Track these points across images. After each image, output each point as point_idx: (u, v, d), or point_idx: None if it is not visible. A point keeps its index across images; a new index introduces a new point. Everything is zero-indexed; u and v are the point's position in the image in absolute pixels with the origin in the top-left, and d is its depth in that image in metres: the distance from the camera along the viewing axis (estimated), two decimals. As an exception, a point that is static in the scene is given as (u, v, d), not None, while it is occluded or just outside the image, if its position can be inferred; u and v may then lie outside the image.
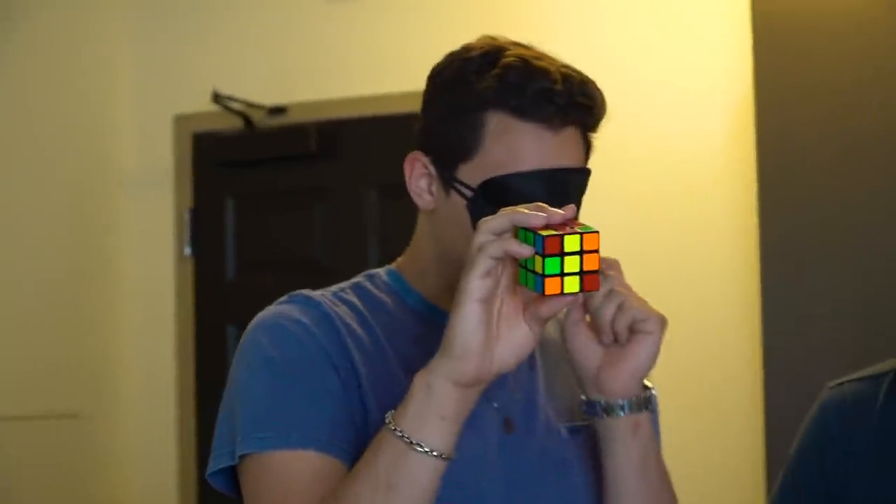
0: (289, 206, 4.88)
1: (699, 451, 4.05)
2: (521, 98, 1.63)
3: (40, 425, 4.58)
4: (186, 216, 4.97)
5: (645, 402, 1.63)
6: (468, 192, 1.66)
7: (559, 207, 1.51)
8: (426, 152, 1.70)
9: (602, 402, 1.62)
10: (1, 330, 4.48)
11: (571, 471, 1.73)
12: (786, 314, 3.80)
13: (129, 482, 4.91)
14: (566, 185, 1.65)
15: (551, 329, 1.85)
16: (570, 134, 1.66)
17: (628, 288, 1.58)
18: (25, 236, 4.61)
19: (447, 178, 1.68)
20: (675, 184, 4.25)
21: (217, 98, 4.81)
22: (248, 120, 4.87)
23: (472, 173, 1.65)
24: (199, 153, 4.98)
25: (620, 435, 1.63)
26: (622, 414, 1.62)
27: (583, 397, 1.64)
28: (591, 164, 1.71)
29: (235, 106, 4.85)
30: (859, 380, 1.94)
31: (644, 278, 4.13)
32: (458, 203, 1.67)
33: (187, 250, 4.96)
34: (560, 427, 1.75)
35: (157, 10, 5.02)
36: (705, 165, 4.21)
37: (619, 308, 1.57)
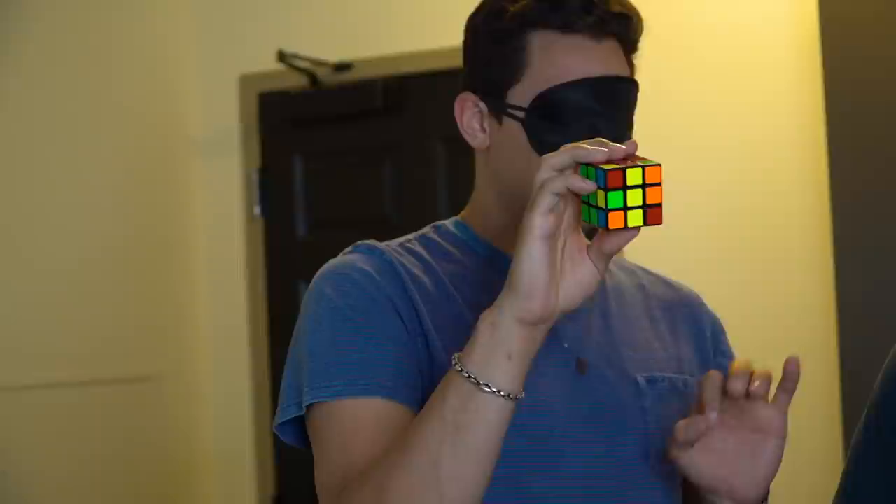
0: (357, 163, 4.86)
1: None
2: (560, 12, 1.67)
3: (114, 389, 4.61)
4: (255, 176, 4.96)
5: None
6: (520, 113, 1.68)
7: (610, 118, 1.62)
8: (473, 91, 1.73)
9: None
10: (74, 296, 4.51)
11: (648, 419, 1.71)
12: (859, 257, 3.73)
13: (204, 443, 4.93)
14: (614, 94, 1.67)
15: (627, 280, 1.84)
16: (612, 46, 1.70)
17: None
18: (96, 202, 4.63)
19: (498, 107, 1.70)
20: (741, 115, 4.18)
21: (282, 57, 4.79)
22: (313, 78, 4.85)
23: (522, 94, 1.68)
24: (265, 113, 4.97)
25: None
26: None
27: None
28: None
29: (301, 64, 4.83)
30: None
31: (714, 225, 4.09)
32: (513, 128, 1.69)
33: (257, 210, 4.95)
34: (637, 376, 1.73)
35: (219, -30, 5.02)
36: (773, 105, 4.14)
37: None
